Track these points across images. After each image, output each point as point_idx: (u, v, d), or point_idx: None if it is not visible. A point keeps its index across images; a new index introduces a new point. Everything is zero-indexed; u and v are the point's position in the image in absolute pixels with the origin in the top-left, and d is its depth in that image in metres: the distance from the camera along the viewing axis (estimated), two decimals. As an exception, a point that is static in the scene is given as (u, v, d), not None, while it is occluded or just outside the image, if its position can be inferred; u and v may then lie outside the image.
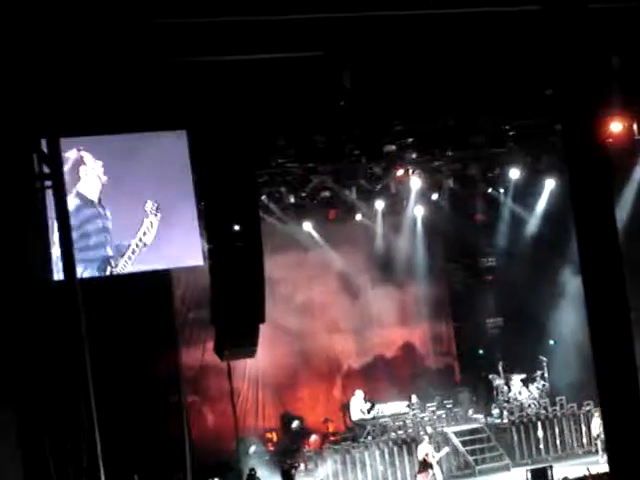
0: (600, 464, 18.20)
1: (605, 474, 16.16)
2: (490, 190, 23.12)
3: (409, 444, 20.38)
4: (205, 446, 20.97)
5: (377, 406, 21.98)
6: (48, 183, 17.00)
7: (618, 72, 17.20)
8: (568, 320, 21.27)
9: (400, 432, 20.92)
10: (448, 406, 22.25)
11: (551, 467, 18.76)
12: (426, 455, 19.21)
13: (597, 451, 20.04)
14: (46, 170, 17.10)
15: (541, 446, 21.20)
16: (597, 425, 20.06)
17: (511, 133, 20.00)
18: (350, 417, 22.09)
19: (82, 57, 15.58)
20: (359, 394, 22.25)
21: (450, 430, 21.22)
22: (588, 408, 21.25)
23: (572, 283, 20.72)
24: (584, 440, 21.33)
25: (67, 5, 14.26)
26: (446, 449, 20.18)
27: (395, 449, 20.37)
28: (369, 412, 21.88)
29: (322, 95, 18.06)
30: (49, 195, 16.11)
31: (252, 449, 20.58)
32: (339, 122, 18.90)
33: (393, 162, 20.55)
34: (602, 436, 19.29)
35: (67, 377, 15.53)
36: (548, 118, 18.64)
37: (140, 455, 18.20)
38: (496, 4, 14.49)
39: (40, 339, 16.19)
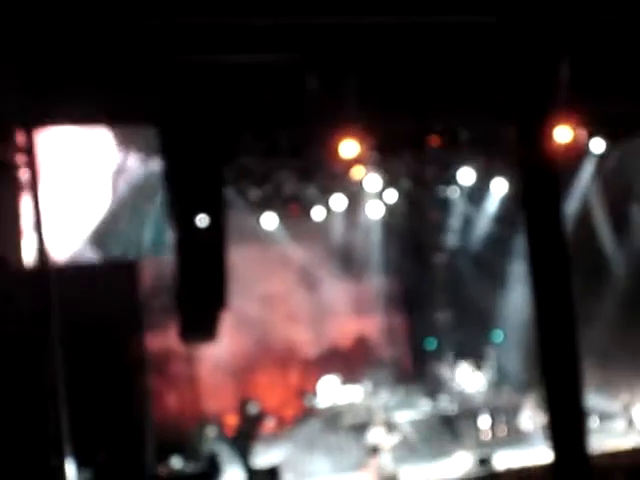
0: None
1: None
2: (445, 191, 23.96)
3: (360, 429, 21.15)
4: (167, 428, 21.64)
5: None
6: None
7: (568, 81, 18.06)
8: (514, 312, 22.21)
9: (351, 417, 21.73)
10: (398, 395, 23.11)
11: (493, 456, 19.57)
12: (377, 441, 20.02)
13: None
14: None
15: (488, 435, 22.02)
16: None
17: (464, 136, 20.75)
18: (309, 402, 22.85)
19: (59, 49, 16.01)
20: (329, 379, 23.27)
21: (400, 418, 22.04)
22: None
23: (517, 277, 21.64)
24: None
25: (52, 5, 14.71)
26: (397, 436, 20.98)
27: (348, 434, 21.17)
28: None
29: (286, 94, 18.69)
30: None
31: (211, 432, 21.22)
32: (302, 121, 19.57)
33: (352, 161, 21.23)
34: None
35: (36, 358, 16.12)
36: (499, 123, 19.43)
37: (106, 434, 18.72)
38: (449, 14, 15.19)
39: (10, 324, 16.73)
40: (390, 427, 21.22)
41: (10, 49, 15.60)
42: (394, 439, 20.66)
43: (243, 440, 21.01)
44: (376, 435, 20.14)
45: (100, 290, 18.78)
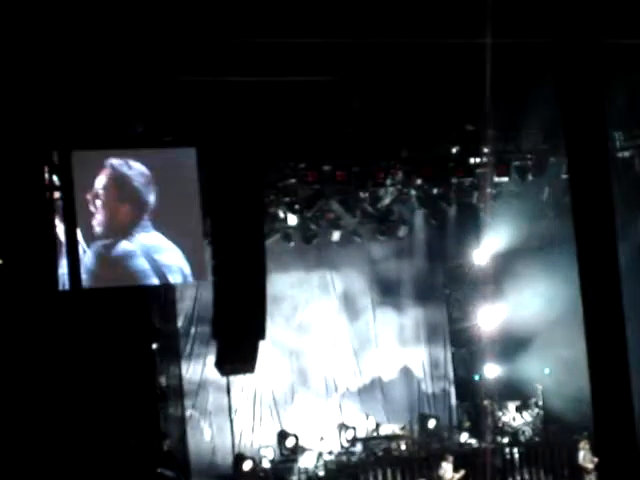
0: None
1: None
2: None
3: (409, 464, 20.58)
4: (201, 460, 21.20)
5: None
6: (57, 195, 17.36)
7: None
8: (564, 350, 21.49)
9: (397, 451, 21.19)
10: (443, 431, 22.53)
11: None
12: (445, 473, 20.07)
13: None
14: (56, 182, 17.42)
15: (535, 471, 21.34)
16: (582, 457, 20.35)
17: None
18: (346, 436, 22.28)
19: (97, 71, 15.83)
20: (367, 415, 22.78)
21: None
22: (576, 438, 21.36)
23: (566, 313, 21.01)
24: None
25: (84, 21, 14.51)
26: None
27: (393, 469, 20.55)
28: (373, 432, 22.15)
29: (330, 120, 18.40)
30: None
31: (248, 465, 20.69)
32: (345, 147, 19.26)
33: (398, 188, 20.90)
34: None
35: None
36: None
37: (137, 465, 18.33)
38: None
39: (44, 346, 16.48)
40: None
41: (47, 72, 15.46)
42: (462, 473, 20.45)
43: (280, 474, 20.49)
44: (446, 468, 20.06)
45: (135, 315, 18.48)
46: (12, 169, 16.78)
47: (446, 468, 20.48)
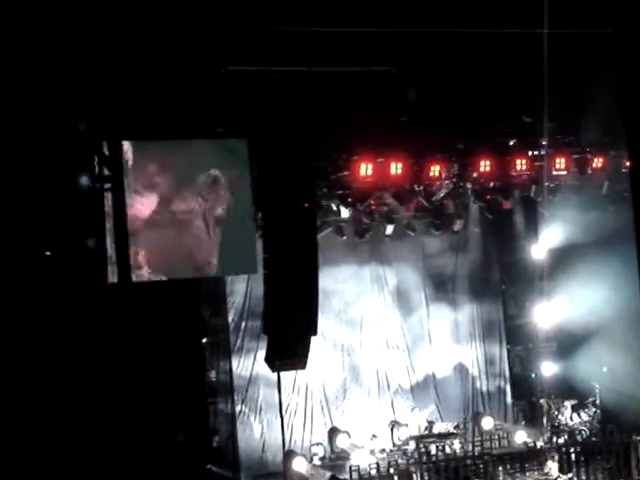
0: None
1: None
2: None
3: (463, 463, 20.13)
4: (251, 457, 20.96)
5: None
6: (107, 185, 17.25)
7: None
8: (622, 348, 21.02)
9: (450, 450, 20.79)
10: (498, 429, 22.09)
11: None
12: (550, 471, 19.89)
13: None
14: (106, 172, 17.33)
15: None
16: None
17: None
18: (398, 434, 21.93)
19: (148, 64, 15.72)
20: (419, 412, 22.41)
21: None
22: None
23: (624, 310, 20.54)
24: (633, 471, 20.91)
25: (135, 14, 14.41)
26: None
27: (446, 468, 20.09)
28: (426, 430, 21.80)
29: (385, 110, 18.10)
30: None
31: (298, 462, 20.39)
32: (400, 139, 18.94)
33: (453, 181, 20.56)
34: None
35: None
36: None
37: (186, 461, 18.19)
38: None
39: (93, 340, 16.40)
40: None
41: (101, 65, 15.39)
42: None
43: (331, 471, 20.16)
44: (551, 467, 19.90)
45: (184, 309, 18.35)
46: (62, 160, 16.74)
47: (551, 466, 20.09)
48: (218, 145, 17.73)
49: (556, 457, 20.24)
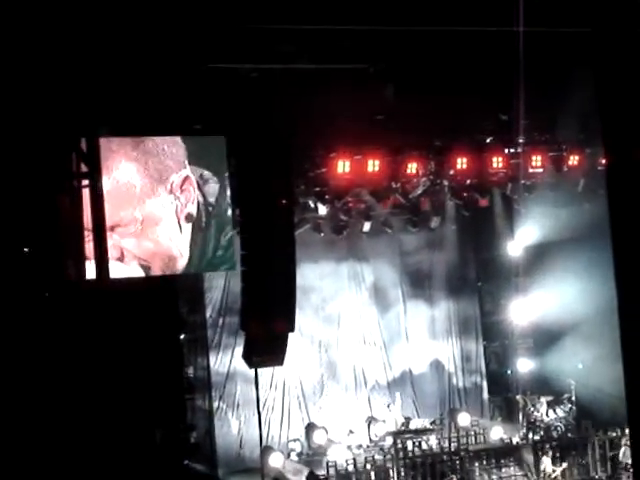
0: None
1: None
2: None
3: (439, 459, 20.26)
4: (228, 453, 21.01)
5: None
6: (85, 182, 17.15)
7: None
8: (597, 345, 21.12)
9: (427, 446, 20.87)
10: (474, 425, 22.19)
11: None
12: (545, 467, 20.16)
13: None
14: (84, 169, 17.23)
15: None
16: (623, 453, 19.99)
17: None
18: (375, 430, 21.99)
19: (127, 61, 15.66)
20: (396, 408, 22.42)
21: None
22: (614, 434, 20.96)
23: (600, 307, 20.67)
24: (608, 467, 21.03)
25: (112, 10, 14.36)
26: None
27: (423, 464, 20.19)
28: (403, 426, 21.88)
29: (362, 108, 18.11)
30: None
31: (275, 458, 20.43)
32: (377, 136, 18.97)
33: (430, 178, 20.60)
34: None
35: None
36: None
37: (164, 457, 18.20)
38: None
39: (70, 337, 16.32)
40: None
41: (77, 60, 15.32)
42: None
43: (309, 467, 20.22)
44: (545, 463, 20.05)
45: (162, 306, 18.33)
46: (40, 157, 16.64)
47: (546, 462, 20.29)
48: (196, 142, 17.73)
49: (550, 452, 20.46)
